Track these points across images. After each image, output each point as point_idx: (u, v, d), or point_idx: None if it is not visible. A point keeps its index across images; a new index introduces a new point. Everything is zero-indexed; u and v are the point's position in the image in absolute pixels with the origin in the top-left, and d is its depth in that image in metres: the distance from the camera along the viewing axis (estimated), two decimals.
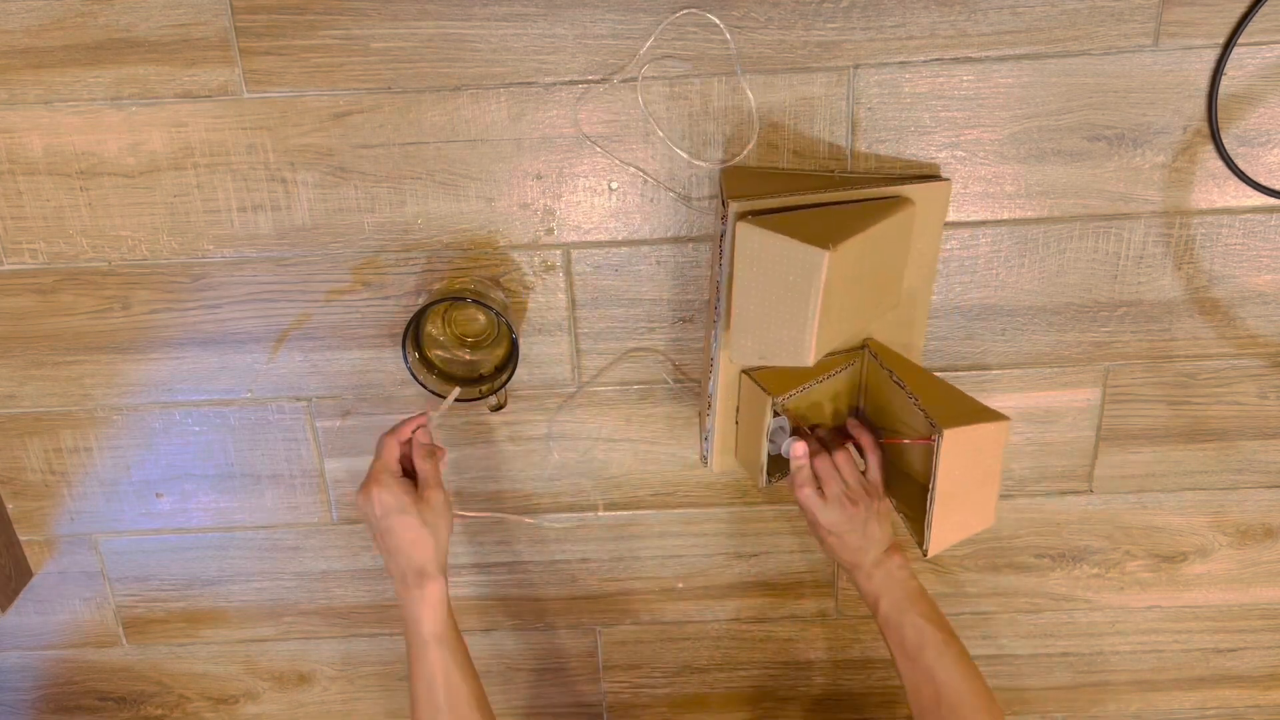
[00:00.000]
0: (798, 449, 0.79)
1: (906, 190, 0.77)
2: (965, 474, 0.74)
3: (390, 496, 0.75)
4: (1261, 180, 0.81)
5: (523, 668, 1.03)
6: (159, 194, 0.83)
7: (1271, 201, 0.82)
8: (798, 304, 0.68)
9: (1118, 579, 0.98)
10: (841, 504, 0.79)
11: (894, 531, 0.84)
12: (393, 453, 0.78)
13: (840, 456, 0.81)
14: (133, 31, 0.78)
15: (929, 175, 0.80)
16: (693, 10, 0.77)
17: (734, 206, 0.72)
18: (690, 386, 0.89)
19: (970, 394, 0.88)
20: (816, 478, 0.80)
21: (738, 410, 0.82)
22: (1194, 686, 1.03)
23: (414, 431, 0.80)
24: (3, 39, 0.78)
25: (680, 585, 0.98)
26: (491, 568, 0.98)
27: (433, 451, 0.80)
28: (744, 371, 0.81)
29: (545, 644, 1.02)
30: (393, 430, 0.80)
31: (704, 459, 0.84)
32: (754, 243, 0.69)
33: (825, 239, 0.67)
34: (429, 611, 0.74)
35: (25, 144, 0.81)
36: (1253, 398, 0.89)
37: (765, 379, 0.79)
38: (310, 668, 1.03)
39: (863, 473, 0.82)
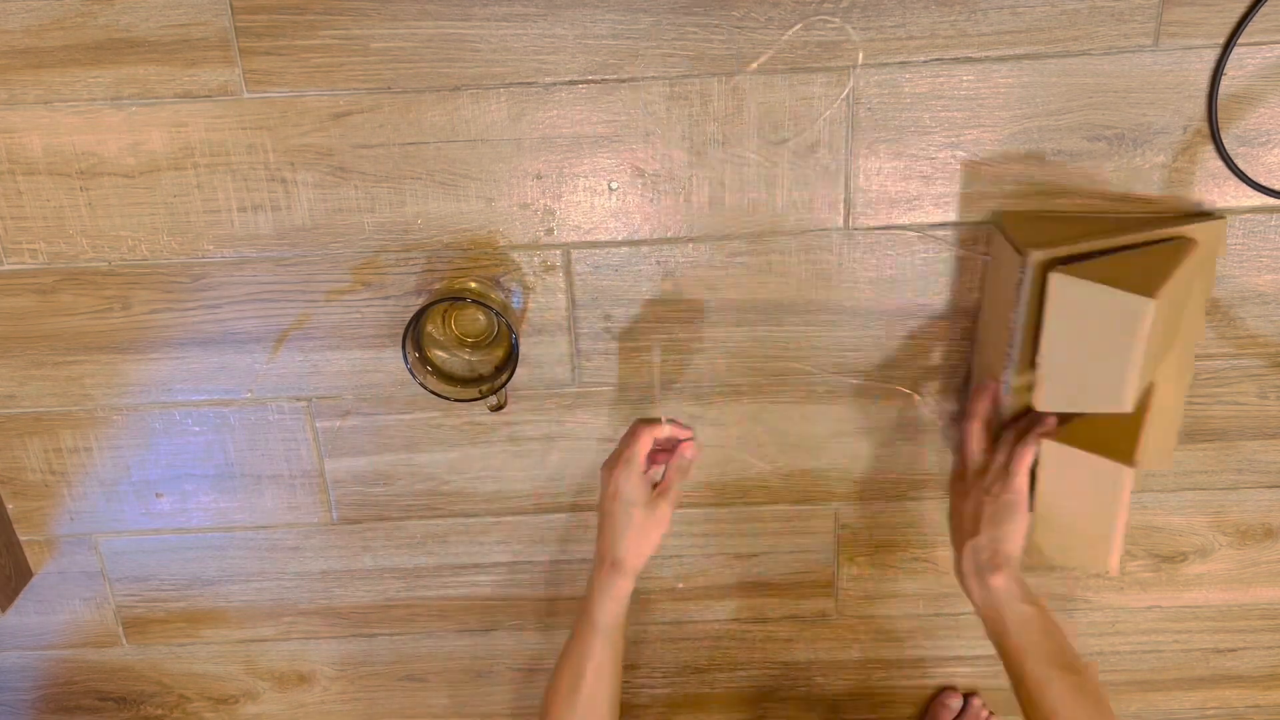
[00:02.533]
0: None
1: (1188, 230, 0.77)
2: (1070, 498, 0.75)
3: (628, 487, 0.77)
4: (1261, 180, 0.81)
5: (523, 668, 1.03)
6: (159, 194, 0.83)
7: (1271, 201, 0.82)
8: (1118, 352, 0.69)
9: (1118, 579, 0.97)
10: (978, 481, 0.77)
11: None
12: (646, 446, 0.79)
13: (1020, 463, 0.77)
14: (133, 31, 0.78)
15: (1203, 214, 0.81)
16: (822, 17, 0.77)
17: (1035, 255, 0.73)
18: (690, 386, 0.89)
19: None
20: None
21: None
22: (1194, 686, 1.03)
23: (680, 443, 0.81)
24: (3, 39, 0.78)
25: (680, 585, 0.98)
26: (491, 568, 0.98)
27: (687, 470, 0.81)
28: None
29: (545, 644, 1.02)
30: (651, 424, 0.80)
31: None
32: (1070, 293, 0.70)
33: (1145, 286, 0.67)
34: (610, 604, 0.77)
35: (25, 144, 0.81)
36: (1253, 398, 0.89)
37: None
38: (310, 668, 1.03)
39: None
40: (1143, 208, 0.82)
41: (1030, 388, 0.76)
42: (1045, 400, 0.74)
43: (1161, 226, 0.78)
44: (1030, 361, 0.77)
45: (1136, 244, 0.76)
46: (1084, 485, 0.75)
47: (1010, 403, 0.79)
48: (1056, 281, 0.71)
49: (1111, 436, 0.75)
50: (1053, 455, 0.75)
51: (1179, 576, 0.97)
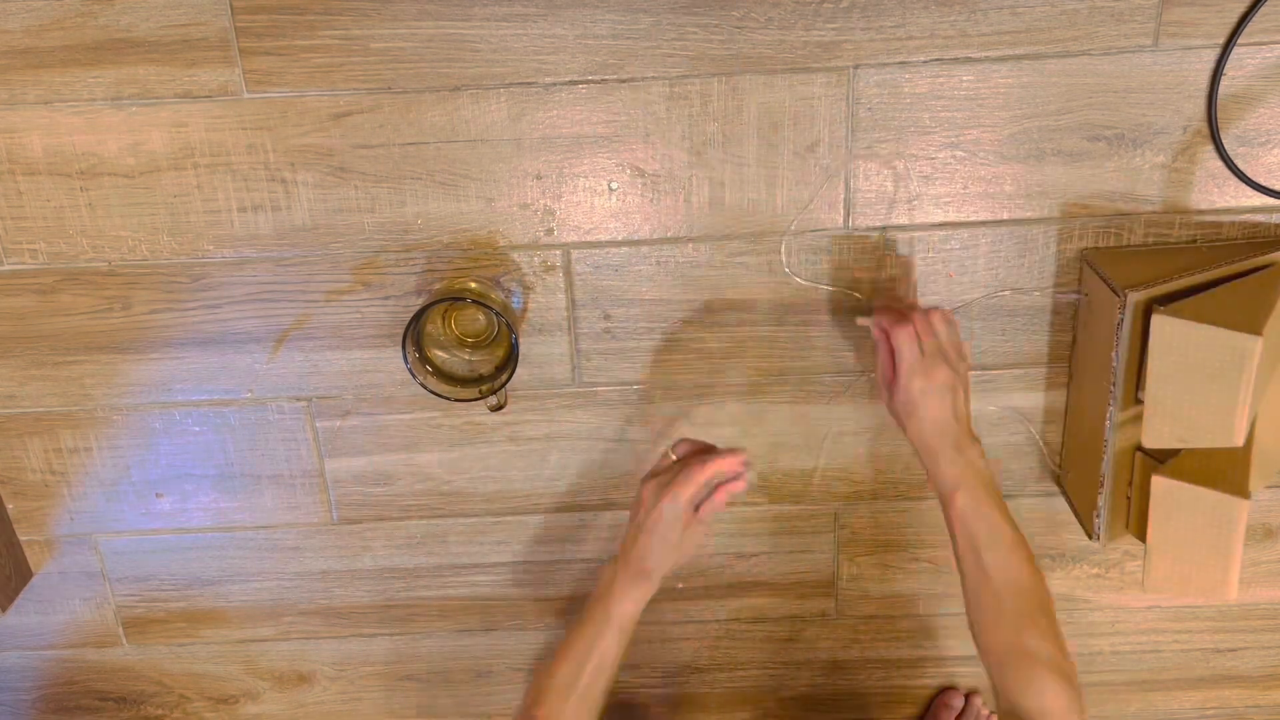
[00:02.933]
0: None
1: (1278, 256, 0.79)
2: (1184, 531, 0.76)
3: (673, 514, 0.79)
4: (1261, 180, 0.81)
5: (523, 668, 1.03)
6: (159, 194, 0.83)
7: (1271, 201, 0.82)
8: (1225, 389, 0.70)
9: (1118, 579, 0.97)
10: (938, 361, 0.76)
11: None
12: (699, 482, 0.79)
13: (936, 315, 0.78)
14: (133, 31, 0.78)
15: None
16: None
17: (1134, 296, 0.74)
18: (690, 386, 0.89)
19: (976, 396, 0.89)
20: (918, 336, 0.77)
21: (1129, 485, 0.82)
22: (1194, 686, 1.03)
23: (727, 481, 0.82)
24: (3, 39, 0.78)
25: (680, 585, 0.98)
26: (491, 568, 0.98)
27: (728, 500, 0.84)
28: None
29: (545, 644, 1.02)
30: (708, 461, 0.79)
31: (1095, 535, 0.84)
32: (1173, 333, 0.71)
33: (1248, 322, 0.68)
34: (631, 606, 0.80)
35: (25, 144, 0.81)
36: None
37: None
38: (310, 668, 1.03)
39: None
40: (1228, 234, 0.83)
41: (1133, 423, 0.78)
42: (1152, 437, 0.74)
43: (1251, 254, 0.79)
44: (1133, 398, 0.78)
45: (1229, 275, 0.77)
46: (1198, 519, 0.76)
47: (1114, 439, 0.80)
48: (1160, 323, 0.71)
49: (1219, 468, 0.76)
50: (1165, 491, 0.76)
51: None
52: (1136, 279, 0.76)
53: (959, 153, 0.81)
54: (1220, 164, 0.81)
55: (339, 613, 1.00)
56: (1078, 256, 0.84)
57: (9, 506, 0.95)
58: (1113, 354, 0.77)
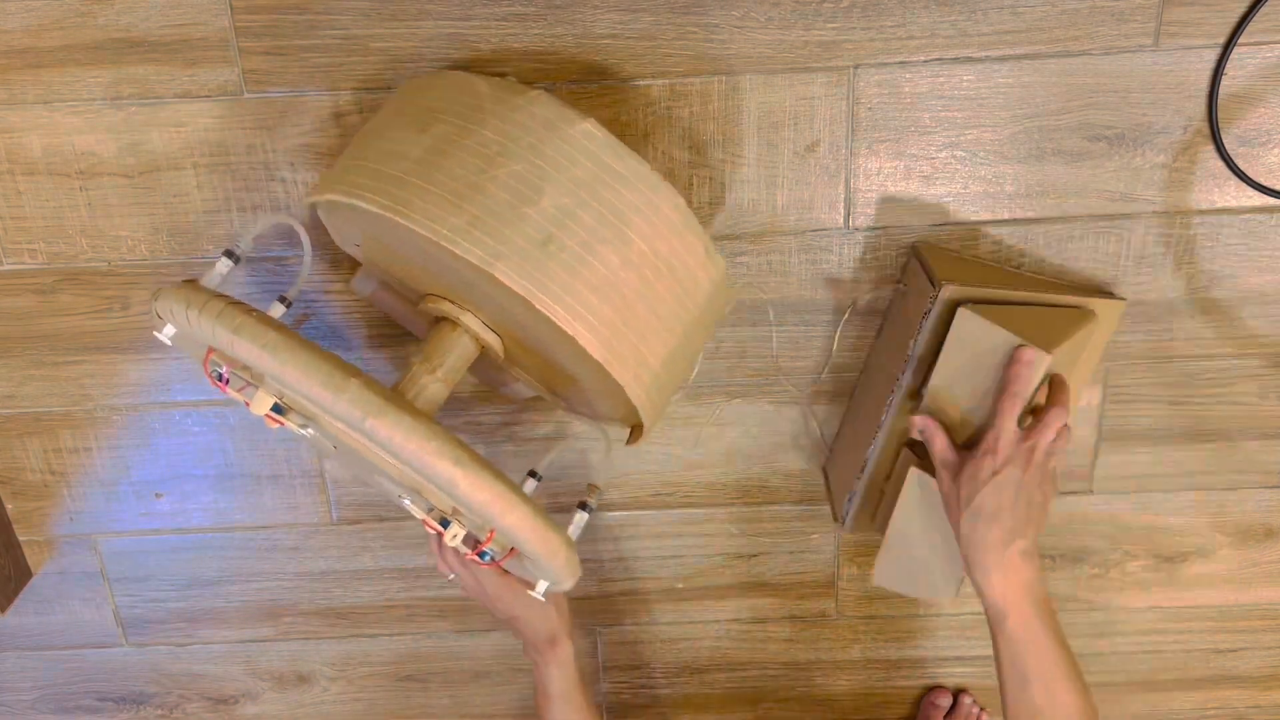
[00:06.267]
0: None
1: (1091, 303, 0.80)
2: (927, 525, 0.77)
3: (498, 585, 0.79)
4: (1261, 180, 0.81)
5: (524, 668, 1.03)
6: (159, 194, 0.83)
7: (1271, 201, 0.82)
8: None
9: (1118, 579, 0.97)
10: (1025, 453, 0.70)
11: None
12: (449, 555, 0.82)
13: (1064, 429, 0.72)
14: (132, 31, 0.78)
15: (1105, 292, 0.84)
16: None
17: (948, 290, 0.74)
18: (689, 386, 0.89)
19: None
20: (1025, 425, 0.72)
21: (886, 479, 0.83)
22: (1194, 686, 1.03)
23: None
24: (2, 39, 0.78)
25: (680, 585, 0.98)
26: None
27: None
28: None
29: None
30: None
31: (842, 520, 0.85)
32: (972, 329, 0.72)
33: (1045, 341, 0.70)
34: (556, 670, 0.82)
35: (25, 144, 0.81)
36: (1253, 398, 0.89)
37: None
38: (310, 668, 1.03)
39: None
40: (1055, 277, 0.85)
41: (910, 414, 0.78)
42: (923, 414, 0.75)
43: (1070, 294, 0.80)
44: (916, 393, 0.78)
45: (1042, 304, 0.78)
46: (941, 514, 0.76)
47: (889, 423, 0.80)
48: (963, 317, 0.72)
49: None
50: (916, 483, 0.77)
51: (1179, 576, 0.97)
52: (956, 278, 0.76)
53: (959, 153, 0.81)
54: (1221, 164, 0.81)
55: (339, 613, 1.00)
56: (908, 249, 0.84)
57: (9, 506, 0.95)
58: (911, 341, 0.77)
